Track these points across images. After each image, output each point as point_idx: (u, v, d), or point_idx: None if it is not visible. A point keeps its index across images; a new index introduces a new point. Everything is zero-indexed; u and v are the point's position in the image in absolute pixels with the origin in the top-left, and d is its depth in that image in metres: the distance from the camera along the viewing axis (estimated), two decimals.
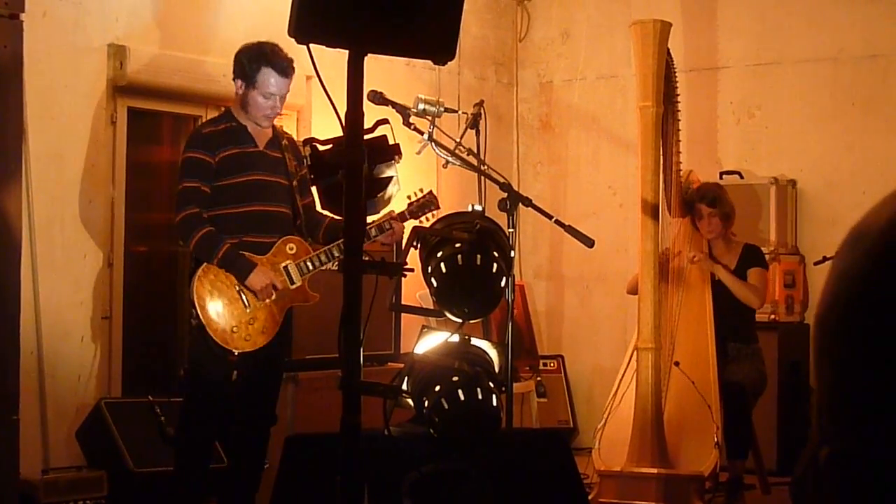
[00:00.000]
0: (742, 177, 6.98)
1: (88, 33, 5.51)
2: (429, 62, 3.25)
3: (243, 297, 4.63)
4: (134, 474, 5.06)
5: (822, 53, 7.04)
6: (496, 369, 4.64)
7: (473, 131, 5.35)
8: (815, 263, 6.34)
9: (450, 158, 5.02)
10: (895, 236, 0.87)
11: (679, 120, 5.92)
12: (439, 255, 4.50)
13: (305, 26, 2.78)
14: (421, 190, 5.11)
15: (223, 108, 5.16)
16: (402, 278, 4.36)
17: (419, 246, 4.62)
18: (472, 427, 4.34)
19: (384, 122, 5.24)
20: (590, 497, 5.17)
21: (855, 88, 6.96)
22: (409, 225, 4.93)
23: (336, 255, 4.75)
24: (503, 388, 4.61)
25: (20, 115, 4.43)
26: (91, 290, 5.52)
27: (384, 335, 5.88)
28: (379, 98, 5.01)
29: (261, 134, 4.80)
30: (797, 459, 0.96)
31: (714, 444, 5.35)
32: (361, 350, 2.97)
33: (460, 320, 4.48)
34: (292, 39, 2.81)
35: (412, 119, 5.01)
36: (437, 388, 4.34)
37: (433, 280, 4.49)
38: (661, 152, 5.72)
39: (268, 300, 4.67)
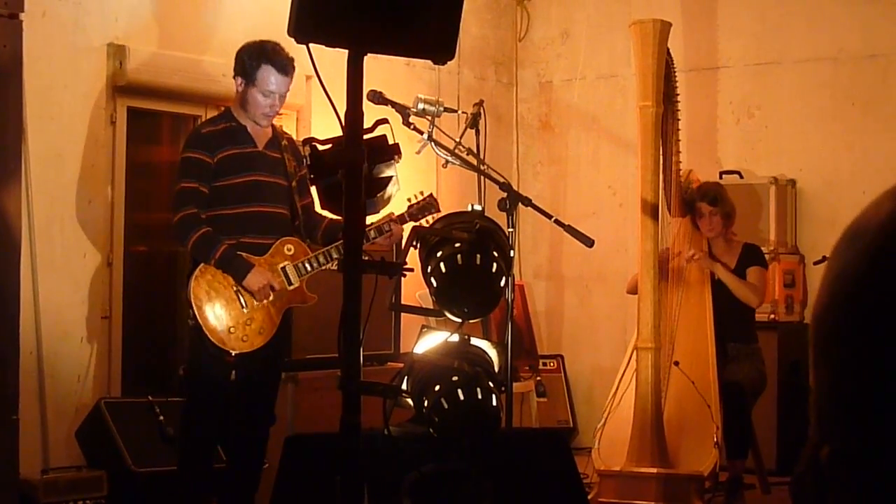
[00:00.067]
0: (742, 176, 6.98)
1: (88, 33, 5.50)
2: (428, 62, 3.25)
3: (241, 297, 4.63)
4: (134, 474, 5.06)
5: (822, 53, 7.04)
6: (496, 369, 4.64)
7: (473, 131, 5.35)
8: (815, 263, 6.34)
9: (449, 158, 5.02)
10: (891, 234, 0.87)
11: (679, 120, 5.92)
12: (439, 254, 4.50)
13: (305, 26, 2.78)
14: (421, 193, 5.10)
15: (223, 108, 5.16)
16: (402, 278, 4.36)
17: (419, 246, 4.62)
18: (472, 427, 4.34)
19: (384, 121, 5.24)
20: (589, 497, 5.17)
21: (855, 88, 6.96)
22: (409, 227, 4.93)
23: (334, 256, 4.75)
24: (503, 388, 4.60)
25: (20, 114, 4.43)
26: (90, 290, 5.52)
27: (384, 335, 5.88)
28: (378, 98, 5.01)
29: (260, 134, 4.80)
30: (797, 459, 0.96)
31: (714, 443, 5.35)
32: (361, 350, 2.97)
33: (460, 320, 4.48)
34: (292, 39, 2.81)
35: (412, 119, 5.01)
36: (437, 387, 4.34)
37: (433, 280, 4.48)
38: (661, 152, 5.72)
39: (265, 301, 4.66)
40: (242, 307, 4.63)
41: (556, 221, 4.95)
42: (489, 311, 4.77)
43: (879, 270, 0.86)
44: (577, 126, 7.94)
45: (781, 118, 7.21)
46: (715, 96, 7.38)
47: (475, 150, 5.24)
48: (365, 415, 2.91)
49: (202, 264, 4.61)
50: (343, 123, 2.89)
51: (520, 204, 4.88)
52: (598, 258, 7.15)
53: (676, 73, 5.92)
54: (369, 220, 4.81)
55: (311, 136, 5.69)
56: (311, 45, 2.82)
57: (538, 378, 7.34)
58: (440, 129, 5.05)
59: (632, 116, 6.34)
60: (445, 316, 4.54)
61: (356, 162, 2.90)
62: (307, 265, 4.75)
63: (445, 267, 4.45)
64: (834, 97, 7.02)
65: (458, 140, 5.26)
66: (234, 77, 4.76)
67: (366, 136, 3.96)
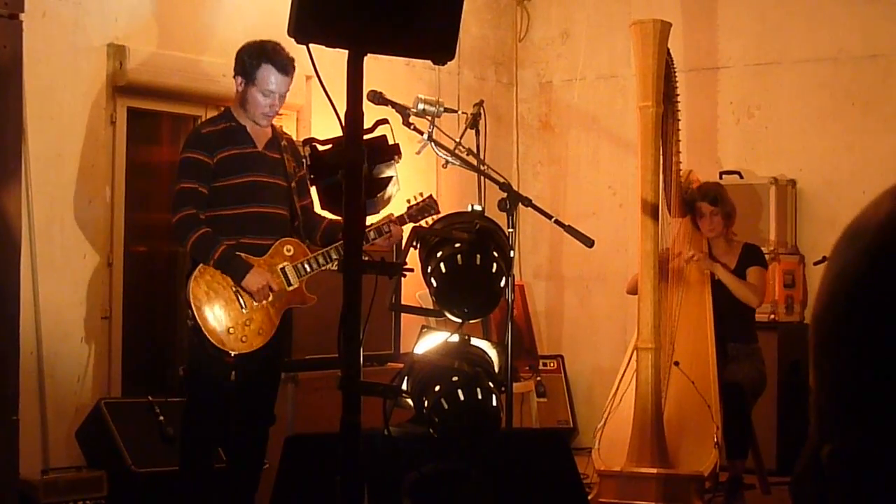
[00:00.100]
0: (742, 176, 6.98)
1: (88, 33, 5.50)
2: (428, 62, 3.24)
3: (240, 298, 4.63)
4: (134, 474, 5.06)
5: (822, 53, 7.04)
6: (496, 369, 4.63)
7: (473, 131, 5.34)
8: (815, 263, 6.34)
9: (449, 158, 5.02)
10: (891, 234, 0.87)
11: (679, 120, 5.92)
12: (439, 255, 4.50)
13: (305, 26, 2.78)
14: (421, 194, 5.10)
15: (222, 108, 5.16)
16: (402, 278, 4.36)
17: (419, 246, 4.62)
18: (472, 427, 4.33)
19: (384, 122, 5.24)
20: (590, 497, 5.17)
21: (855, 88, 6.96)
22: (408, 228, 4.93)
23: (334, 257, 4.75)
24: (503, 388, 4.60)
25: (19, 114, 4.43)
26: (90, 290, 5.52)
27: (384, 335, 5.88)
28: (378, 98, 5.01)
29: (260, 134, 4.80)
30: (797, 459, 0.96)
31: (714, 443, 5.35)
32: (361, 350, 2.96)
33: (460, 320, 4.48)
34: (292, 39, 2.81)
35: (412, 119, 5.01)
36: (437, 388, 4.33)
37: (433, 280, 4.48)
38: (661, 152, 5.72)
39: (264, 302, 4.66)
40: (241, 308, 4.63)
41: (556, 221, 4.95)
42: (489, 311, 4.77)
43: (879, 270, 0.86)
44: (577, 126, 7.94)
45: (781, 118, 7.21)
46: (715, 96, 7.38)
47: (475, 151, 5.24)
48: (365, 415, 2.91)
49: (201, 265, 4.61)
50: (343, 123, 2.89)
51: (520, 204, 4.88)
52: (598, 258, 7.15)
53: (676, 73, 5.92)
54: (369, 221, 4.80)
55: (311, 136, 5.68)
56: (311, 45, 2.81)
57: (538, 378, 7.33)
58: (440, 130, 5.05)
59: (632, 116, 6.34)
60: (445, 316, 4.53)
61: (356, 162, 2.90)
62: (306, 266, 4.75)
63: (445, 267, 4.45)
64: (834, 97, 7.02)
65: (458, 140, 5.26)
66: (234, 77, 4.77)
67: (366, 137, 3.95)
